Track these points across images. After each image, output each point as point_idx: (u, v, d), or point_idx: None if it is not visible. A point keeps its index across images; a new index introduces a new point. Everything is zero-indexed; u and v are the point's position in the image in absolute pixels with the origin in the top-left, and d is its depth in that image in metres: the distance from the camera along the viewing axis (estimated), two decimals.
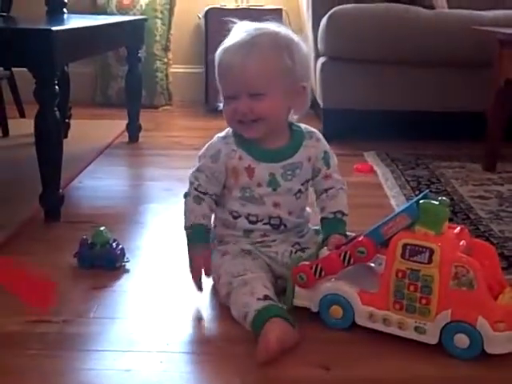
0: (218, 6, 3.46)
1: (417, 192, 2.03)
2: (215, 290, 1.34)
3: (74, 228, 1.71)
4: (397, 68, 2.73)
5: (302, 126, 1.40)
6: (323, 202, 1.39)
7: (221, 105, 1.36)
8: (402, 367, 1.11)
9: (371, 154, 2.53)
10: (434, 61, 2.69)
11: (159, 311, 1.29)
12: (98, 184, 2.15)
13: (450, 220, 1.21)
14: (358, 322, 1.20)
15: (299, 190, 1.37)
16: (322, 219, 1.39)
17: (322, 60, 2.80)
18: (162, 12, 3.56)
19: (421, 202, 1.16)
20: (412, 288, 1.14)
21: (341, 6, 2.74)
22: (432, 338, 1.14)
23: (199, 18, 3.63)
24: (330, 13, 2.71)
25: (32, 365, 1.09)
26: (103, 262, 1.46)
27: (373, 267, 1.25)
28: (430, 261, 1.13)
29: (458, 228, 1.21)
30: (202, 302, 1.33)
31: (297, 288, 1.25)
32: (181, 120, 3.31)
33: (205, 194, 1.34)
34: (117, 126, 2.89)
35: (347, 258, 1.20)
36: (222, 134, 1.37)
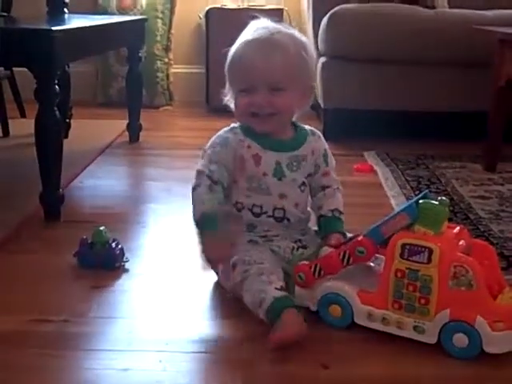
0: (219, 5, 3.46)
1: (417, 192, 2.03)
2: (220, 284, 1.34)
3: (74, 227, 1.71)
4: (397, 68, 2.73)
5: (300, 123, 1.43)
6: (320, 200, 1.40)
7: (226, 99, 1.38)
8: (401, 367, 1.11)
9: (371, 153, 2.53)
10: (434, 61, 2.69)
11: (159, 310, 1.29)
12: (98, 184, 2.15)
13: (450, 220, 1.21)
14: (356, 322, 1.21)
15: (303, 183, 1.38)
16: (320, 217, 1.39)
17: (322, 60, 2.80)
18: (162, 12, 3.57)
19: (420, 201, 1.16)
20: (411, 288, 1.14)
21: (341, 6, 2.74)
22: (431, 338, 1.14)
23: (200, 17, 3.63)
24: (330, 13, 2.71)
25: (32, 364, 1.09)
26: (103, 262, 1.46)
27: (372, 267, 1.26)
28: (429, 260, 1.13)
29: (458, 228, 1.21)
30: (202, 301, 1.33)
31: (296, 287, 1.25)
32: (181, 120, 3.31)
33: (217, 182, 1.31)
34: (117, 125, 2.89)
35: (346, 257, 1.20)
36: (227, 127, 1.38)
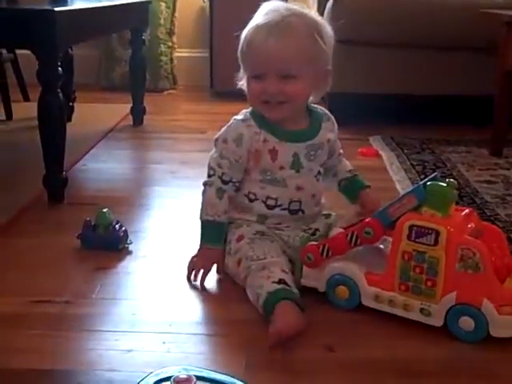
0: None
1: (422, 176, 2.01)
2: (232, 275, 1.32)
3: (77, 210, 1.70)
4: (403, 52, 2.70)
5: (317, 107, 1.40)
6: (333, 169, 1.45)
7: (241, 83, 1.34)
8: (407, 349, 1.10)
9: (376, 138, 2.51)
10: (441, 44, 2.66)
11: (162, 292, 1.29)
12: (101, 167, 2.14)
13: (456, 204, 1.19)
14: (363, 303, 1.20)
15: (319, 172, 1.37)
16: (341, 181, 1.45)
17: None
18: None
19: (428, 183, 1.15)
20: (418, 270, 1.13)
21: None
22: (437, 321, 1.13)
23: (203, 1, 3.60)
24: None
25: (34, 345, 1.08)
26: (106, 244, 1.45)
27: (381, 248, 1.25)
28: (435, 243, 1.11)
29: (466, 210, 1.20)
30: (206, 283, 1.32)
31: (305, 268, 1.25)
32: (185, 104, 3.29)
33: (228, 182, 1.32)
34: (121, 109, 2.88)
35: (354, 238, 1.19)
36: (240, 116, 1.35)
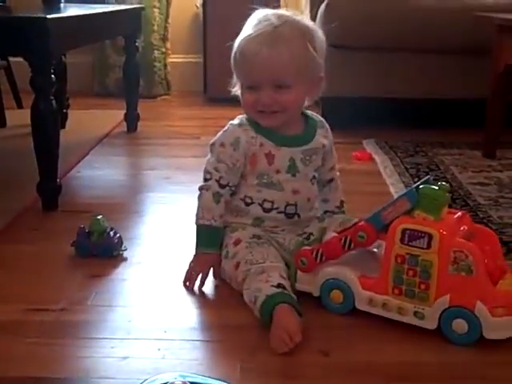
0: None
1: (416, 179, 2.02)
2: (228, 279, 1.32)
3: (71, 217, 1.70)
4: (396, 55, 2.71)
5: (312, 113, 1.41)
6: (326, 194, 1.45)
7: (234, 90, 1.35)
8: (401, 352, 1.11)
9: (370, 141, 2.52)
10: (433, 48, 2.67)
11: (157, 299, 1.29)
12: (96, 173, 2.14)
13: (450, 206, 1.20)
14: (358, 307, 1.20)
15: (314, 176, 1.39)
16: (326, 212, 1.45)
17: None
18: (159, 1, 3.54)
19: (421, 187, 1.15)
20: (411, 273, 1.14)
21: None
22: (431, 323, 1.14)
23: (197, 7, 3.61)
24: (327, 0, 2.69)
25: (30, 353, 1.08)
26: (101, 251, 1.45)
27: (375, 252, 1.25)
28: (428, 246, 1.12)
29: (459, 213, 1.21)
30: (201, 289, 1.32)
31: (299, 272, 1.25)
32: (179, 109, 3.29)
33: (225, 186, 1.33)
34: (115, 115, 2.88)
35: (348, 242, 1.20)
36: (236, 121, 1.35)
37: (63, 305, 1.24)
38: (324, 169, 1.42)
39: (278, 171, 1.33)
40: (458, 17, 2.60)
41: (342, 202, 1.47)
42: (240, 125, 1.34)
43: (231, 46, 1.32)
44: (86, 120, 2.89)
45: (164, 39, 3.60)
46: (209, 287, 1.34)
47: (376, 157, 2.32)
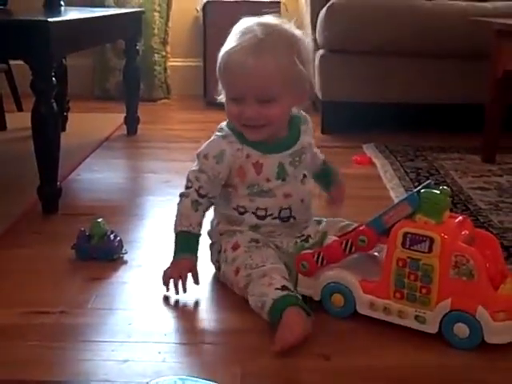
0: None
1: (416, 184, 2.02)
2: (230, 284, 1.31)
3: (71, 220, 1.70)
4: (396, 60, 2.72)
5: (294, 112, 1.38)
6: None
7: (220, 98, 1.33)
8: (402, 356, 1.11)
9: (370, 146, 2.52)
10: (433, 52, 2.68)
11: (157, 302, 1.28)
12: (96, 176, 2.14)
13: (450, 211, 1.20)
14: (359, 311, 1.20)
15: (304, 175, 1.38)
16: (315, 173, 1.47)
17: (320, 52, 2.78)
18: (159, 5, 3.55)
19: (422, 191, 1.15)
20: (412, 277, 1.14)
21: None
22: (432, 328, 1.14)
23: (197, 11, 3.62)
24: (328, 5, 2.70)
25: (30, 356, 1.08)
26: (101, 254, 1.45)
27: (376, 256, 1.25)
28: (430, 250, 1.12)
29: (460, 218, 1.20)
30: (201, 293, 1.32)
31: (300, 276, 1.25)
32: (179, 113, 3.30)
33: (204, 196, 1.32)
34: (115, 119, 2.88)
35: (349, 246, 1.20)
36: (220, 132, 1.33)
37: (63, 308, 1.24)
38: (315, 160, 1.45)
39: (267, 179, 1.32)
40: (456, 21, 2.61)
41: (324, 161, 1.50)
42: (224, 136, 1.32)
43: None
44: (87, 123, 2.89)
45: (164, 43, 3.60)
46: (209, 291, 1.33)
47: (376, 161, 2.32)
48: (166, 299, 1.30)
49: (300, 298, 1.18)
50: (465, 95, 2.69)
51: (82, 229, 1.48)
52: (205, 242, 1.40)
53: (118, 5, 3.52)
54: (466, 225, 1.21)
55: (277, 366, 1.07)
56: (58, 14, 2.30)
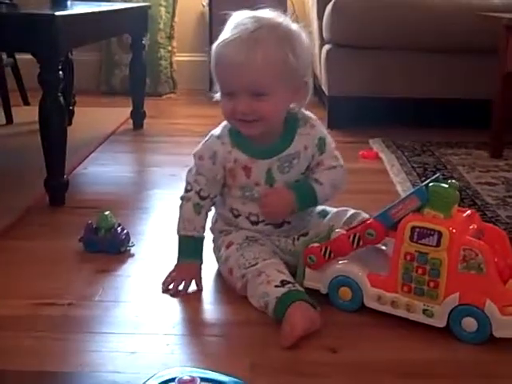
0: None
1: (423, 178, 2.01)
2: (228, 283, 1.31)
3: (78, 213, 1.70)
4: (403, 55, 2.71)
5: (298, 111, 1.32)
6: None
7: (216, 95, 1.30)
8: (410, 350, 1.10)
9: (377, 141, 2.51)
10: (440, 47, 2.66)
11: (164, 295, 1.28)
12: (102, 170, 2.15)
13: (458, 205, 1.19)
14: (366, 304, 1.20)
15: (297, 181, 1.33)
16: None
17: (327, 47, 2.78)
18: (166, 0, 3.54)
19: (430, 184, 1.15)
20: (420, 271, 1.13)
21: None
22: (440, 321, 1.13)
23: (203, 5, 3.61)
24: (334, 0, 2.69)
25: (38, 347, 1.08)
26: (108, 247, 1.45)
27: (384, 250, 1.25)
28: (438, 244, 1.12)
29: (468, 212, 1.20)
30: (208, 285, 1.32)
31: (307, 269, 1.25)
32: (185, 108, 3.30)
33: (206, 198, 1.32)
34: (121, 113, 2.88)
35: (356, 240, 1.19)
36: (217, 131, 1.32)
37: (71, 300, 1.24)
38: (311, 166, 1.34)
39: (256, 184, 1.31)
40: (464, 16, 2.59)
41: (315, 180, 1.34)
42: (219, 137, 1.30)
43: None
44: (93, 117, 2.89)
45: (170, 37, 3.60)
46: (217, 283, 1.33)
47: (383, 155, 2.31)
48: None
49: (302, 290, 1.17)
50: (472, 90, 2.68)
51: (90, 221, 1.49)
52: (209, 236, 1.39)
53: (124, 0, 3.52)
54: (474, 219, 1.20)
55: (285, 358, 1.07)
56: (65, 7, 2.30)
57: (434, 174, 2.01)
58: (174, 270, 1.32)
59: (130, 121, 2.74)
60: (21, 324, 1.16)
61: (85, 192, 1.93)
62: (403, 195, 1.37)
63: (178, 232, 1.33)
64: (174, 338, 1.12)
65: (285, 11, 1.31)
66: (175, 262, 1.33)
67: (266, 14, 1.25)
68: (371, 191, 1.89)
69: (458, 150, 2.42)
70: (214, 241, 1.40)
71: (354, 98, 2.75)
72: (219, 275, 1.35)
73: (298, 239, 1.35)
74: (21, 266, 1.40)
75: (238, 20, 1.23)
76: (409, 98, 2.75)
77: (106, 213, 1.50)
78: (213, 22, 3.37)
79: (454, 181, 1.18)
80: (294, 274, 1.25)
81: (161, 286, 1.30)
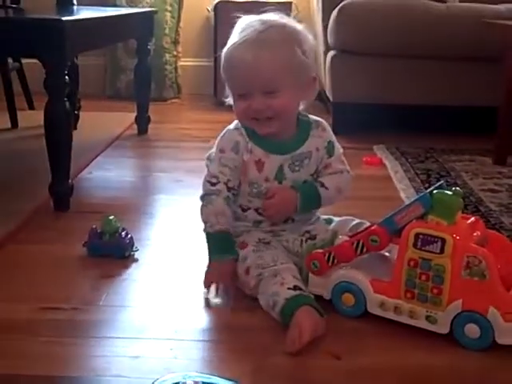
0: None
1: (427, 185, 2.02)
2: (240, 284, 1.30)
3: (83, 218, 1.71)
4: (407, 62, 2.71)
5: (309, 115, 1.38)
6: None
7: (227, 100, 1.34)
8: (413, 356, 1.10)
9: (380, 147, 2.52)
10: (445, 55, 2.67)
11: (168, 299, 1.29)
12: (107, 175, 2.15)
13: (462, 212, 1.20)
14: (369, 310, 1.20)
15: (305, 182, 1.36)
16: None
17: (331, 53, 2.79)
18: (171, 5, 3.56)
19: (434, 191, 1.15)
20: (424, 277, 1.13)
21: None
22: (443, 328, 1.14)
23: (208, 11, 3.62)
24: (339, 6, 2.70)
25: (42, 351, 1.09)
26: (112, 251, 1.46)
27: (387, 256, 1.25)
28: (441, 251, 1.12)
29: (472, 219, 1.20)
30: (212, 290, 1.32)
31: (310, 275, 1.25)
32: (189, 113, 3.30)
33: (232, 189, 1.32)
34: (126, 118, 2.89)
35: (360, 246, 1.20)
36: (232, 125, 1.35)
37: (75, 304, 1.24)
38: (319, 168, 1.37)
39: (266, 179, 1.32)
40: (469, 24, 2.60)
41: (320, 182, 1.37)
42: (236, 128, 1.33)
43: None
44: (98, 122, 2.90)
45: (175, 43, 3.61)
46: (220, 288, 1.33)
47: (386, 162, 2.32)
48: (177, 297, 1.30)
49: (313, 297, 1.18)
50: (477, 97, 2.68)
51: (94, 226, 1.49)
52: None
53: (129, 4, 3.54)
54: (477, 226, 1.20)
55: (287, 364, 1.07)
56: (71, 12, 2.32)
57: (437, 181, 2.02)
58: (209, 269, 1.30)
59: (135, 126, 2.75)
60: (25, 328, 1.16)
61: (89, 197, 1.94)
62: (407, 202, 1.38)
63: (209, 229, 1.30)
64: (177, 343, 1.12)
65: (289, 16, 1.35)
66: (207, 262, 1.31)
67: (271, 16, 1.30)
68: (375, 198, 1.90)
69: (461, 157, 2.42)
70: None
71: (358, 104, 2.75)
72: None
73: (306, 241, 1.35)
74: (25, 270, 1.41)
75: (245, 23, 1.28)
76: (413, 104, 2.75)
77: (110, 217, 1.50)
78: (218, 28, 3.38)
79: (458, 188, 1.18)
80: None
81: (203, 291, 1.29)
